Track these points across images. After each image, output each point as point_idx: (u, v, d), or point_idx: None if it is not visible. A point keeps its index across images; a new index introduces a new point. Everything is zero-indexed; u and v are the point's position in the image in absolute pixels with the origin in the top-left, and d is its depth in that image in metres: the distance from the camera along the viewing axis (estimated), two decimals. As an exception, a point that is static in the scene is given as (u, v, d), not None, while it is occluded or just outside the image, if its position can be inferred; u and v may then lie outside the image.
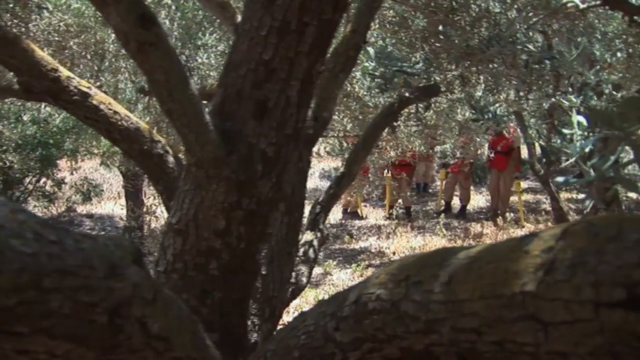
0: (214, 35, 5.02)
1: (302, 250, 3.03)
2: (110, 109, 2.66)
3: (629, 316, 0.64)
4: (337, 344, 1.24)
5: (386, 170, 9.84)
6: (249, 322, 2.55)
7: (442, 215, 10.65)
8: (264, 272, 2.61)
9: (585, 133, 1.68)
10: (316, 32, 1.52)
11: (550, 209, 9.47)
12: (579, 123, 1.72)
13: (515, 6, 3.76)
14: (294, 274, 2.87)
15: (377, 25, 4.13)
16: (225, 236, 1.67)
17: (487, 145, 9.45)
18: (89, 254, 0.74)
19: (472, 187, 11.48)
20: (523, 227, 9.67)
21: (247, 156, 1.59)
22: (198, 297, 1.74)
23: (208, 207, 1.64)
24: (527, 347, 0.78)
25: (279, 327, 2.54)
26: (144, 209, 8.61)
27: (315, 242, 3.09)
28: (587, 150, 1.59)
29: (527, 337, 0.77)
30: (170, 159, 2.75)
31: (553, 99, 4.26)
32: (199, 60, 4.99)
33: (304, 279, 2.97)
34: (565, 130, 1.80)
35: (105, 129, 2.68)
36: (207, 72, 4.99)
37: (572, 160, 1.64)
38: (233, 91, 1.59)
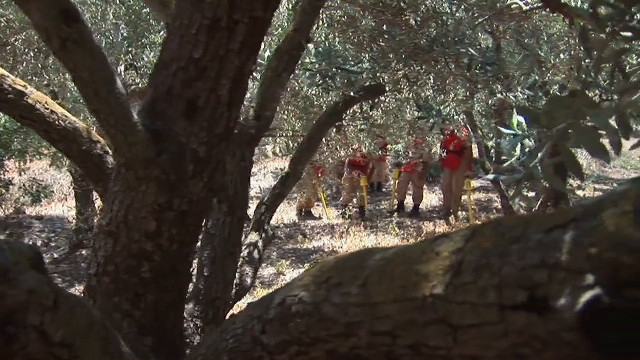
0: (162, 33, 4.93)
1: (247, 251, 2.99)
2: (48, 109, 2.58)
3: (531, 318, 0.62)
4: (265, 347, 1.22)
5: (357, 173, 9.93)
6: (192, 325, 2.52)
7: (396, 214, 10.72)
8: (206, 274, 2.58)
9: (526, 132, 1.69)
10: (247, 30, 1.48)
11: (501, 207, 9.59)
12: (519, 123, 1.72)
13: (463, 7, 3.78)
14: (238, 274, 2.84)
15: (325, 25, 4.11)
16: (157, 238, 1.62)
17: (439, 144, 9.54)
18: (-24, 260, 0.70)
19: (425, 186, 11.57)
20: (474, 225, 9.77)
21: (177, 156, 1.55)
22: (131, 301, 1.69)
23: (138, 208, 1.59)
24: (440, 350, 0.77)
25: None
26: (95, 210, 8.47)
27: (261, 243, 3.06)
28: (518, 149, 1.59)
29: (439, 340, 0.75)
30: (111, 159, 2.68)
31: (499, 96, 4.31)
32: (147, 59, 4.91)
33: (249, 280, 2.94)
34: (505, 131, 1.80)
35: (42, 129, 2.60)
36: (155, 71, 4.89)
37: (513, 160, 1.64)
38: (163, 90, 1.54)
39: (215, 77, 1.50)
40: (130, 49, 5.16)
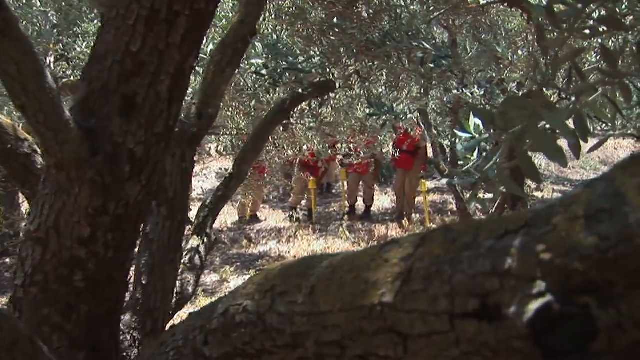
0: (96, 22, 4.85)
1: (187, 257, 2.98)
2: (-32, 103, 2.53)
3: (482, 326, 0.65)
4: (207, 359, 1.22)
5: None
6: (129, 337, 2.49)
7: (346, 216, 10.77)
8: (144, 282, 2.56)
9: (482, 135, 1.72)
10: (188, 23, 1.48)
11: (456, 209, 9.72)
12: (475, 125, 1.75)
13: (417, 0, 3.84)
14: (178, 282, 2.82)
15: (272, 16, 4.11)
16: (91, 244, 1.60)
17: (392, 144, 9.58)
18: None
19: (377, 187, 11.66)
20: (429, 228, 9.91)
21: (113, 156, 1.53)
22: (62, 312, 1.67)
23: (71, 212, 1.57)
24: (390, 360, 0.78)
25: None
26: (21, 214, 8.27)
27: (203, 248, 3.05)
28: (474, 151, 1.63)
29: (388, 350, 0.77)
30: (39, 159, 2.63)
31: (455, 92, 4.39)
32: (79, 49, 4.82)
33: (190, 288, 2.92)
34: (460, 133, 1.83)
35: (-41, 124, 2.54)
36: (88, 62, 4.79)
37: (470, 164, 1.67)
38: (98, 85, 1.53)
39: (154, 72, 1.50)
40: (61, 38, 5.06)
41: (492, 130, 1.43)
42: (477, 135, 1.74)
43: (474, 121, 1.74)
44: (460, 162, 1.77)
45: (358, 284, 0.79)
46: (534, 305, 0.60)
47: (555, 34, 1.27)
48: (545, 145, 1.21)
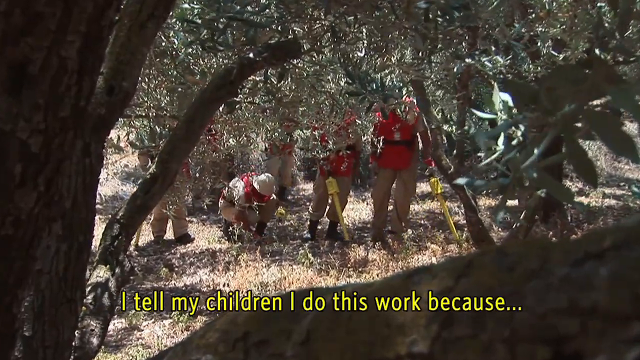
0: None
1: (91, 295, 2.96)
2: None
3: (556, 385, 0.67)
4: None
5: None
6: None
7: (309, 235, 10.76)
8: (27, 334, 2.53)
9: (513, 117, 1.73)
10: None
11: (464, 222, 9.70)
12: (503, 103, 1.76)
13: None
14: (77, 333, 2.80)
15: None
16: (-38, 280, 1.60)
17: (372, 130, 9.13)
18: None
19: (351, 193, 11.66)
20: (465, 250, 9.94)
21: (-3, 151, 1.53)
22: None
23: None
24: None
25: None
26: None
27: (113, 282, 3.04)
28: (500, 140, 1.65)
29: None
30: None
31: (468, 61, 4.39)
32: None
33: (95, 340, 2.91)
34: (482, 115, 1.84)
35: None
36: None
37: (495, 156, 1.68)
38: (-29, 49, 1.52)
39: (57, 30, 1.49)
40: None
41: (530, 112, 1.46)
42: (505, 118, 1.76)
43: (500, 97, 1.75)
44: (481, 156, 1.79)
45: (376, 328, 0.81)
46: (631, 354, 0.62)
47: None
48: (609, 133, 1.19)
